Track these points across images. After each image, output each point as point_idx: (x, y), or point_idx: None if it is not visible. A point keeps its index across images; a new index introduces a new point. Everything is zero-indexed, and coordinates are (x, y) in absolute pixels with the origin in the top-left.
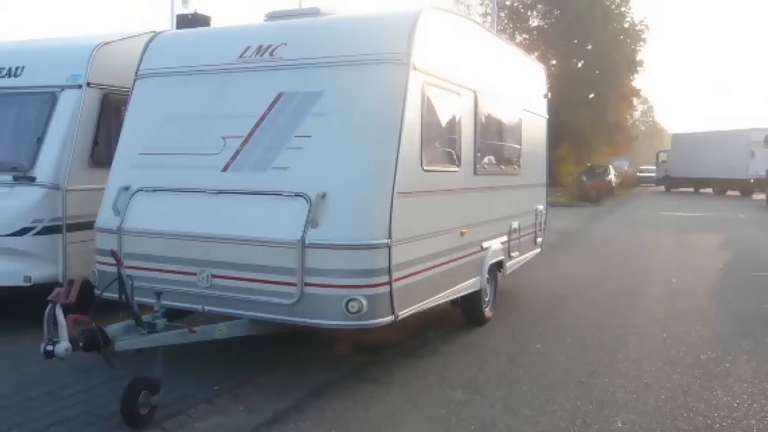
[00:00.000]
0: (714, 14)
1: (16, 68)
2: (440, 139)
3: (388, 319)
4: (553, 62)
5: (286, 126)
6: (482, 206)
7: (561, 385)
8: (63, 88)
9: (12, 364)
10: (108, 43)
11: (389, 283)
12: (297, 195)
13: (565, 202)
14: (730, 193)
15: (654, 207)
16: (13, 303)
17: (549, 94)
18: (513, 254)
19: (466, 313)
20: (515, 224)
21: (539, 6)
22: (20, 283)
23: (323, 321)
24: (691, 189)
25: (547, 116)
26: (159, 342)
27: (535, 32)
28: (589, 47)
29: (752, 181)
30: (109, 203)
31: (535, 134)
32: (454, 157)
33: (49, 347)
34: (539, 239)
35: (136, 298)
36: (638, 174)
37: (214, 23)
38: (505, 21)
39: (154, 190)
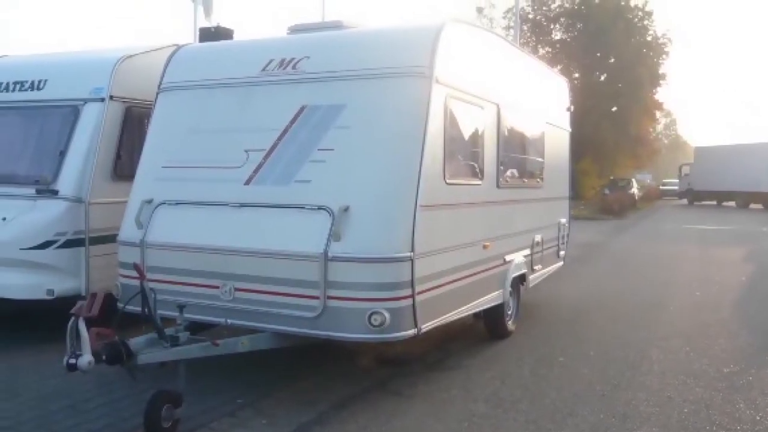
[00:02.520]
0: (738, 25)
1: (39, 81)
2: (463, 153)
3: (411, 332)
4: (576, 75)
5: (309, 139)
6: (505, 219)
7: (584, 399)
8: (86, 101)
9: (35, 377)
10: (131, 56)
11: (412, 296)
12: (320, 208)
13: (587, 216)
14: (753, 206)
15: (677, 220)
16: (35, 316)
17: (572, 107)
18: (536, 267)
19: (489, 326)
20: (538, 237)
21: (562, 19)
22: (43, 296)
23: (346, 334)
24: (714, 202)
25: (570, 129)
26: (182, 355)
27: (557, 45)
28: (612, 60)
29: None
30: (132, 216)
31: (557, 147)
32: (477, 170)
33: (72, 360)
34: (562, 252)
35: (159, 312)
36: (661, 187)
37: (237, 36)
38: (528, 34)
39: (177, 203)
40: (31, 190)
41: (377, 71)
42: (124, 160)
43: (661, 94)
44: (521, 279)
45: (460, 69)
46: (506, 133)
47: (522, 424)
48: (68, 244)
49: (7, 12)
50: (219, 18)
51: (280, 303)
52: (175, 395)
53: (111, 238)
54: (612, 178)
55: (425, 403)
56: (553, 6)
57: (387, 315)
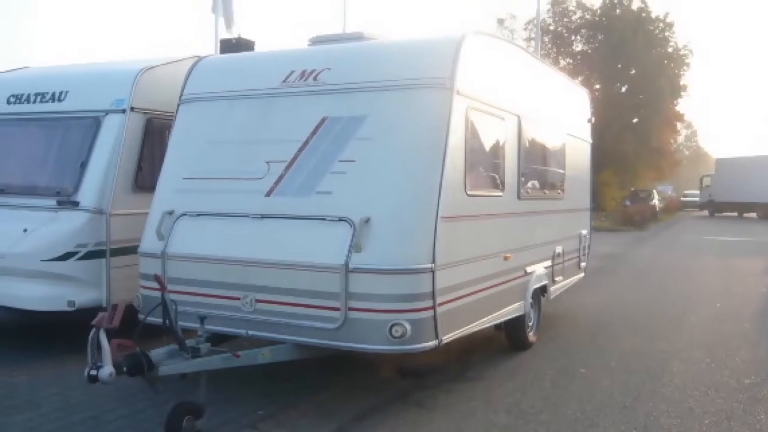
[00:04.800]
0: (760, 36)
1: (60, 93)
2: (484, 164)
3: (432, 343)
4: (597, 87)
5: (330, 150)
6: (526, 231)
7: (605, 410)
8: (107, 112)
9: (56, 388)
10: (152, 67)
11: (433, 307)
12: (341, 219)
13: (609, 227)
14: None
15: (698, 232)
16: (57, 328)
17: (593, 119)
18: (557, 279)
19: (510, 337)
20: (559, 249)
21: (583, 31)
22: (64, 307)
23: (367, 346)
24: (735, 214)
25: (591, 141)
26: (203, 367)
27: (578, 57)
28: (633, 72)
29: None
30: (153, 228)
31: (578, 159)
32: (498, 181)
33: (93, 372)
34: (583, 264)
35: (180, 323)
36: (682, 199)
37: (258, 48)
38: (549, 46)
39: (198, 215)
40: (52, 202)
41: (398, 83)
42: (145, 172)
43: (682, 105)
44: (542, 290)
45: (481, 80)
46: (527, 144)
47: None
48: (89, 255)
49: (28, 24)
50: (240, 29)
51: (300, 314)
52: (195, 407)
53: (132, 250)
54: (633, 189)
55: (446, 414)
56: (574, 17)
57: (408, 326)
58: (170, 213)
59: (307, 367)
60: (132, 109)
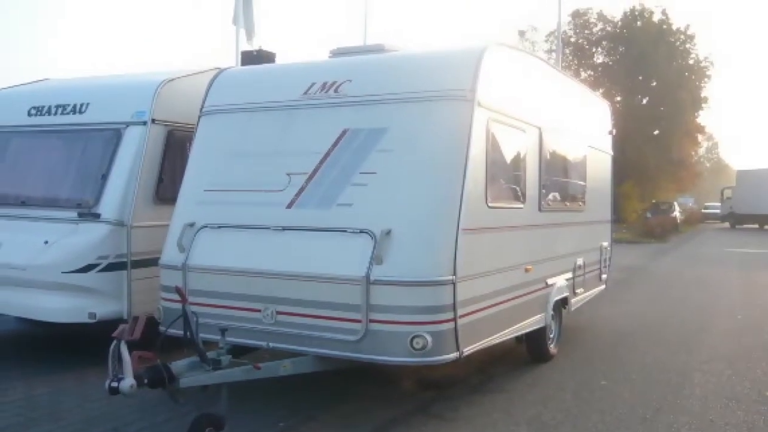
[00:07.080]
0: None
1: (81, 105)
2: (505, 176)
3: (453, 355)
4: (618, 99)
5: (351, 162)
6: (547, 243)
7: (626, 422)
8: (128, 124)
9: (78, 400)
10: (172, 79)
11: (454, 319)
12: (362, 231)
13: (630, 239)
14: None
15: (718, 243)
16: (78, 339)
17: (614, 131)
18: (578, 291)
19: (531, 349)
20: (580, 261)
21: (604, 43)
22: (85, 319)
23: (388, 358)
24: (756, 225)
25: (612, 153)
26: (224, 378)
27: (599, 69)
28: (654, 84)
29: None
30: (174, 240)
31: (599, 171)
32: (519, 193)
33: (114, 384)
34: (604, 276)
35: (201, 335)
36: (703, 211)
37: (278, 60)
38: (570, 57)
39: (219, 227)
40: (73, 214)
41: (419, 94)
42: (166, 184)
43: (703, 117)
44: (563, 302)
45: (502, 92)
46: (548, 156)
47: None
48: (110, 267)
49: (50, 35)
50: (261, 41)
51: (321, 326)
52: (216, 419)
53: (153, 262)
54: (654, 201)
55: (467, 426)
56: (595, 29)
57: (429, 338)
58: (191, 225)
59: (328, 379)
60: (153, 121)
